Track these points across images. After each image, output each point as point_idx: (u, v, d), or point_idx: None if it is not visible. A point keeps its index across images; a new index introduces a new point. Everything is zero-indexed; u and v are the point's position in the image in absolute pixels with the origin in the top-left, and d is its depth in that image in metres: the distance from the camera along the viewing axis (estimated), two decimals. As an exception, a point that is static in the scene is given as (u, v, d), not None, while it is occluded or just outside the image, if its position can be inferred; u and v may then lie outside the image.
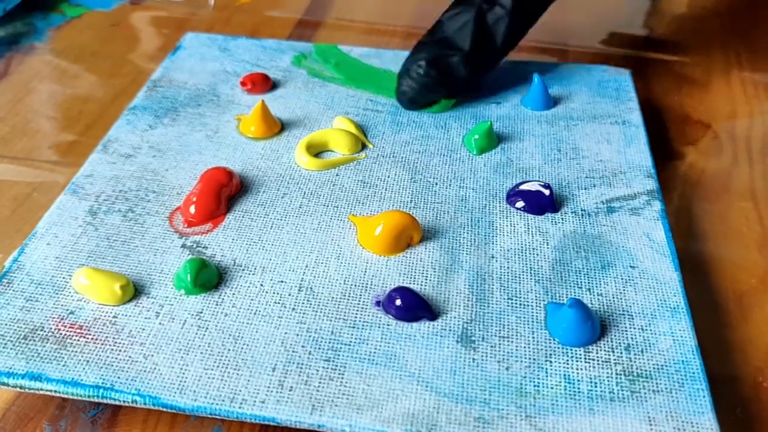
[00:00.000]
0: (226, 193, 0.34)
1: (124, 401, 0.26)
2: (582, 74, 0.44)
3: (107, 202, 0.34)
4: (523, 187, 0.35)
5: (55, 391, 0.26)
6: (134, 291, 0.30)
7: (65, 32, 0.53)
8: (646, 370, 0.27)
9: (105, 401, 0.26)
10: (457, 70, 0.40)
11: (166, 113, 0.40)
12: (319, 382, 0.27)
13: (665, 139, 0.44)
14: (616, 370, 0.28)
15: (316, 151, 0.38)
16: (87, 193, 0.34)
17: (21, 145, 0.42)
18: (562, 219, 0.34)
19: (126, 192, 0.35)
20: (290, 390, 0.26)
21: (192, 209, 0.33)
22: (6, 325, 0.28)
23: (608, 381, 0.27)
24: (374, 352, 0.28)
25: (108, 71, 0.49)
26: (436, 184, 0.36)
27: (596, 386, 0.27)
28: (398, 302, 0.29)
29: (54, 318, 0.29)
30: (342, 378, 0.27)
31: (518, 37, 0.42)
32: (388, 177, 0.36)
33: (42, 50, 0.51)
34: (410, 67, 0.40)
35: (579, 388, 0.27)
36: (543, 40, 0.53)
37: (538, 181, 0.35)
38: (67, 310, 0.29)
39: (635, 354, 0.28)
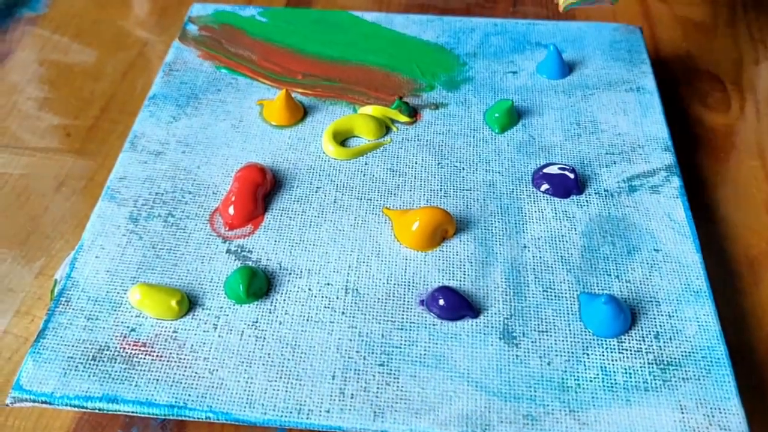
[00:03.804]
0: (261, 191, 0.35)
1: (197, 418, 0.28)
2: (594, 34, 0.44)
3: (146, 206, 0.35)
4: (547, 170, 0.36)
5: (132, 412, 0.28)
6: (188, 303, 0.31)
7: (60, -3, 0.52)
8: (675, 358, 0.30)
9: (180, 419, 0.28)
10: None
11: (188, 101, 0.40)
12: (377, 388, 0.29)
13: (675, 95, 0.45)
14: (648, 359, 0.30)
15: (342, 138, 0.38)
16: (124, 198, 0.35)
17: (39, 132, 0.42)
18: (587, 201, 0.35)
19: (162, 194, 0.35)
20: (351, 397, 0.29)
21: (231, 211, 0.34)
22: (73, 346, 0.30)
23: (641, 371, 0.29)
24: (424, 354, 0.30)
25: (112, 43, 0.48)
26: (463, 168, 0.37)
27: (631, 377, 0.29)
28: (441, 302, 0.31)
29: (117, 336, 0.30)
30: (397, 382, 0.29)
31: None
32: (416, 163, 0.37)
33: (40, 21, 0.50)
34: None
35: (615, 380, 0.29)
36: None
37: (562, 164, 0.36)
38: (128, 327, 0.30)
39: (664, 342, 0.30)
